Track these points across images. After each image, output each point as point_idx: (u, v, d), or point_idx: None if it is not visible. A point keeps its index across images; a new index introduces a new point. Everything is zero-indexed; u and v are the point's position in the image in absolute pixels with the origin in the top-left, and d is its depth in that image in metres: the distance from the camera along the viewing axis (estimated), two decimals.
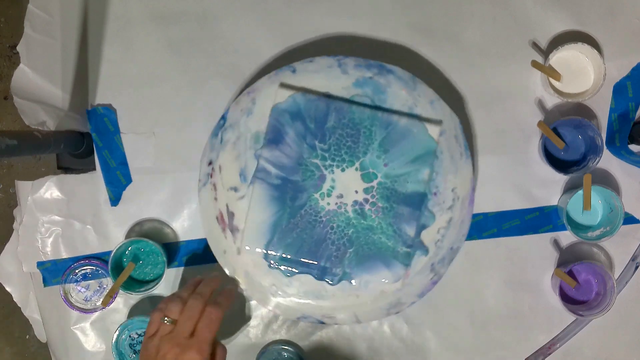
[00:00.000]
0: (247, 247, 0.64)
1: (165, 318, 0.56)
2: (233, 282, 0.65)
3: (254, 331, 0.72)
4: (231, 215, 0.64)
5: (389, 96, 0.64)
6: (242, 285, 0.65)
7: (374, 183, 0.63)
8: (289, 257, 0.63)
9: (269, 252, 0.63)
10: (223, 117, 0.65)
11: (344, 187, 0.63)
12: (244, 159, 0.64)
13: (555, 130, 0.69)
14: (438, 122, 0.63)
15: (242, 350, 0.72)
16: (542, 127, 0.67)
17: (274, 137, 0.63)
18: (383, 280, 0.63)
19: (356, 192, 0.63)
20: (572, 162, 0.71)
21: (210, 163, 0.65)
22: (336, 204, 0.63)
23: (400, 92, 0.64)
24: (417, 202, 0.63)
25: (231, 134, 0.65)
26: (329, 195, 0.63)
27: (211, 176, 0.65)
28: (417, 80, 0.64)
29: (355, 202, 0.63)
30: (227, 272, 0.65)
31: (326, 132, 0.63)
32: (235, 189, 0.64)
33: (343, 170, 0.63)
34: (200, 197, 0.66)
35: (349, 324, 0.64)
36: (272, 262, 0.64)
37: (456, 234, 0.64)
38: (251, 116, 0.64)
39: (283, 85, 0.64)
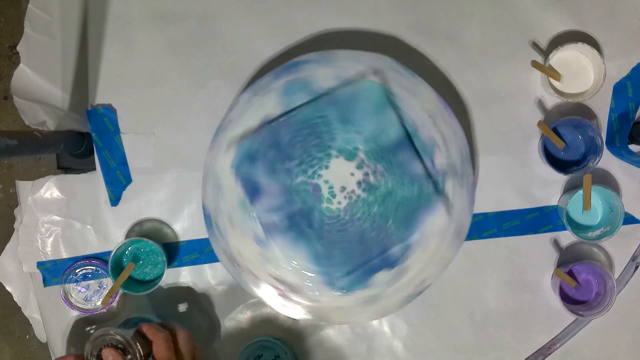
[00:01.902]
0: (315, 292, 0.63)
1: None
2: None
3: (253, 331, 0.72)
4: (280, 279, 0.63)
5: (317, 82, 0.63)
6: (336, 319, 0.65)
7: (361, 155, 0.62)
8: (351, 274, 0.62)
9: (333, 282, 0.62)
10: (205, 211, 0.64)
11: (340, 179, 0.62)
12: (250, 229, 0.63)
13: (555, 130, 0.69)
14: (371, 71, 0.63)
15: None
16: (542, 127, 0.67)
17: (253, 191, 0.62)
18: (434, 222, 0.62)
19: (352, 174, 0.62)
20: (572, 162, 0.71)
21: (227, 255, 0.65)
22: (345, 197, 0.62)
23: (323, 72, 0.63)
24: (407, 141, 0.62)
25: (223, 221, 0.64)
26: (333, 196, 0.62)
27: (237, 263, 0.64)
28: (329, 52, 0.64)
29: (359, 182, 0.62)
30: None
31: (287, 149, 0.62)
32: (264, 257, 0.63)
33: (327, 167, 0.62)
34: (248, 288, 0.65)
35: (442, 273, 0.64)
36: (344, 288, 0.63)
37: (457, 142, 0.64)
38: (223, 192, 0.63)
39: (228, 146, 0.63)
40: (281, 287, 0.63)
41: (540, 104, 0.72)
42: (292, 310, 0.64)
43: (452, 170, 0.63)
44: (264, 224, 0.62)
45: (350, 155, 0.62)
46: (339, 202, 0.62)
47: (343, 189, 0.62)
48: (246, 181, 0.63)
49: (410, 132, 0.63)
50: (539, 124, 0.67)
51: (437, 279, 0.64)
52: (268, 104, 0.64)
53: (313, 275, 0.62)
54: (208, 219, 0.65)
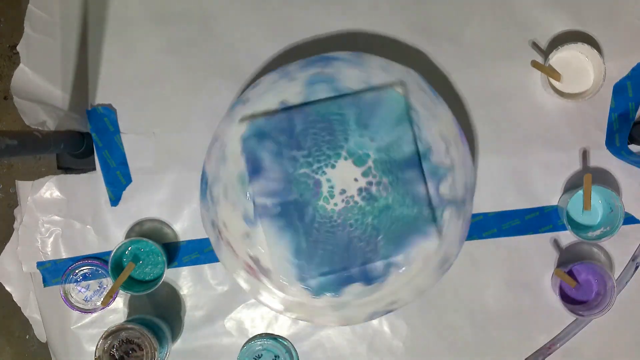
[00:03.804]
0: (285, 282, 0.62)
1: None
2: None
3: (253, 331, 0.72)
4: (256, 260, 0.62)
5: (343, 81, 0.63)
6: (299, 315, 0.64)
7: (369, 163, 0.61)
8: (326, 276, 0.61)
9: (306, 279, 0.61)
10: (203, 177, 0.64)
11: (343, 182, 0.61)
12: (241, 205, 0.62)
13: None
14: (398, 82, 0.62)
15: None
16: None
17: (254, 168, 0.62)
18: (423, 247, 0.62)
19: (356, 180, 0.61)
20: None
21: (213, 225, 0.64)
22: (343, 200, 0.61)
23: (351, 72, 0.63)
24: (419, 161, 0.61)
25: (218, 188, 0.63)
26: (331, 196, 0.62)
27: (220, 235, 0.64)
28: (362, 55, 0.64)
29: (360, 189, 0.61)
30: (283, 310, 0.64)
31: (299, 137, 0.61)
32: (248, 236, 0.62)
33: (333, 166, 0.62)
34: (222, 258, 0.64)
35: (414, 300, 0.63)
36: (314, 288, 0.62)
37: (464, 173, 0.63)
38: (226, 162, 0.63)
39: (242, 119, 0.62)
40: (254, 267, 0.63)
41: (541, 104, 0.72)
42: (259, 294, 0.64)
43: (454, 200, 0.63)
44: (257, 205, 0.61)
45: (359, 161, 0.62)
46: (335, 204, 0.61)
47: (343, 191, 0.61)
48: (251, 156, 0.62)
49: (422, 152, 0.62)
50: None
51: (406, 304, 0.63)
52: (290, 90, 0.63)
53: (287, 265, 0.62)
54: (204, 184, 0.64)
